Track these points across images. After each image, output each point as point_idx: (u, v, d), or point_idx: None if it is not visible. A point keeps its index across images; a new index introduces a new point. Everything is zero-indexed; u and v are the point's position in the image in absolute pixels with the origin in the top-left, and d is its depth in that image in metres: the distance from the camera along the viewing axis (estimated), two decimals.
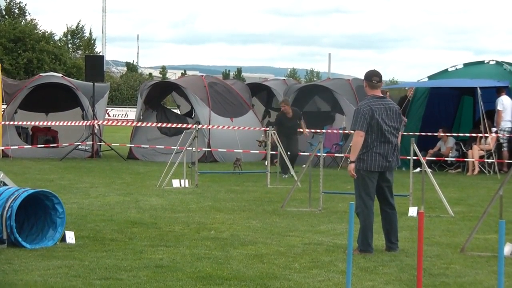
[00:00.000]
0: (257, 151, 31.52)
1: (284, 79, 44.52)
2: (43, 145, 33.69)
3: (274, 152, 25.30)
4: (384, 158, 13.76)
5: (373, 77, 14.10)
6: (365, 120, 13.55)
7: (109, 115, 62.64)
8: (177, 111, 38.44)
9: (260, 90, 38.19)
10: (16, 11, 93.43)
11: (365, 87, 14.32)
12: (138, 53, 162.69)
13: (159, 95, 36.36)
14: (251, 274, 12.16)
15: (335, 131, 32.15)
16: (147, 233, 15.49)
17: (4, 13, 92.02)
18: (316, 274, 12.22)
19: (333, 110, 34.31)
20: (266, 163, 25.34)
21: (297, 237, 15.42)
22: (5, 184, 15.34)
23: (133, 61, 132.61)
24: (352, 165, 13.66)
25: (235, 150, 30.53)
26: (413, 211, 18.08)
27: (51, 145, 33.94)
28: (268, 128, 26.80)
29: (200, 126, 29.79)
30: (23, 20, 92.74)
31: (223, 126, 32.09)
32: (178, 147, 24.93)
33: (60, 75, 38.97)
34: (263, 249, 14.15)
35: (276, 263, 12.98)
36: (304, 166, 21.65)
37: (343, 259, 13.12)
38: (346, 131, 30.66)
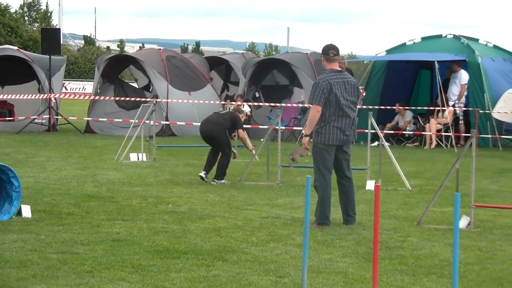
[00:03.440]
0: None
1: (243, 53, 44.46)
2: None
3: None
4: (342, 132, 13.79)
5: (330, 50, 14.07)
6: (323, 95, 13.56)
7: (66, 89, 62.38)
8: (134, 84, 38.28)
9: (218, 64, 38.20)
10: None
11: (322, 61, 14.28)
12: (95, 26, 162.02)
13: (116, 69, 36.23)
14: (208, 247, 12.19)
15: (294, 104, 32.10)
16: (104, 207, 15.48)
17: None
18: (273, 248, 12.27)
19: (291, 84, 34.33)
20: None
21: (255, 210, 15.47)
22: None
23: (91, 34, 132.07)
24: (307, 139, 13.73)
25: (193, 124, 30.52)
26: (370, 185, 18.18)
27: (7, 118, 33.75)
28: (226, 102, 26.79)
29: (157, 99, 29.80)
30: None
31: (181, 100, 32.04)
32: (136, 121, 24.87)
33: (15, 47, 38.69)
34: (221, 222, 14.19)
35: (233, 236, 13.03)
36: (262, 139, 21.63)
37: (301, 233, 13.19)
38: (305, 105, 30.65)
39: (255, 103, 32.18)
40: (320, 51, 14.43)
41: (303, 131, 13.60)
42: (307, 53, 35.59)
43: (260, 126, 29.27)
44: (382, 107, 30.77)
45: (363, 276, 10.65)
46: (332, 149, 13.82)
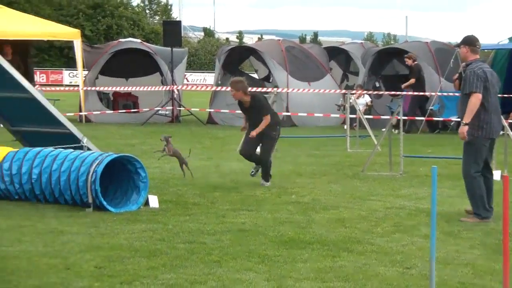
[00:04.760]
0: (337, 115, 31.39)
1: (362, 43, 44.16)
2: (124, 111, 33.93)
3: (353, 116, 25.16)
4: (499, 123, 13.72)
5: (476, 42, 13.97)
6: (481, 83, 13.35)
7: (187, 80, 62.85)
8: (255, 75, 38.43)
9: (337, 54, 38.14)
10: None
11: (465, 52, 13.99)
12: (214, 18, 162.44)
13: (237, 60, 36.41)
14: (333, 238, 12.16)
15: (420, 93, 31.72)
16: (229, 197, 15.56)
17: None
18: (399, 238, 12.20)
19: (411, 73, 34.05)
20: (345, 127, 25.32)
21: (378, 201, 15.40)
22: (88, 149, 15.53)
23: (210, 26, 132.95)
24: (466, 128, 13.29)
25: (314, 114, 30.49)
26: (497, 175, 17.91)
27: (132, 110, 34.16)
28: (347, 92, 26.71)
29: (278, 90, 29.82)
30: None
31: (302, 89, 32.00)
32: None
33: (139, 40, 39.22)
34: (345, 213, 14.17)
35: (358, 227, 12.99)
36: (383, 130, 21.52)
37: (426, 223, 13.08)
38: (432, 94, 30.30)
39: (376, 93, 31.94)
40: (460, 41, 14.21)
41: (462, 121, 13.23)
42: (426, 42, 35.16)
43: (382, 117, 29.08)
44: (506, 95, 30.23)
45: (492, 267, 10.52)
46: (488, 142, 13.69)
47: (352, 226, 13.07)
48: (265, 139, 17.15)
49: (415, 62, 30.16)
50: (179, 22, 40.71)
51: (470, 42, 13.96)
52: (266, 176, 17.29)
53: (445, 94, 29.87)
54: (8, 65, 15.47)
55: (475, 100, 13.27)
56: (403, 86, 30.30)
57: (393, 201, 15.40)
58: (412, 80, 29.80)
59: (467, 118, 13.27)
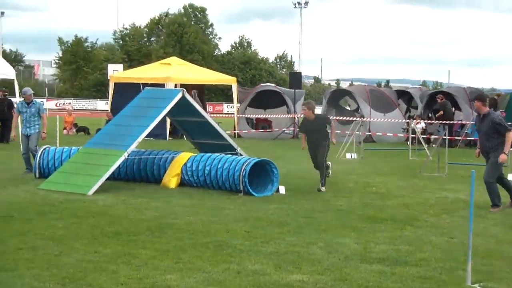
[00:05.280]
0: (402, 135, 31.06)
1: (420, 87, 43.40)
2: (262, 130, 34.01)
3: (413, 135, 24.77)
4: None
5: (486, 98, 13.77)
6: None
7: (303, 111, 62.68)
8: (348, 108, 38.14)
9: (403, 94, 37.41)
10: (245, 44, 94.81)
11: (479, 106, 13.03)
12: (321, 70, 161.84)
13: (337, 98, 36.22)
14: (401, 217, 11.99)
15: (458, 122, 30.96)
16: (331, 188, 15.43)
17: (237, 46, 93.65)
18: (445, 218, 11.98)
19: (455, 108, 33.37)
20: (408, 143, 25.02)
21: (430, 193, 15.08)
22: (241, 155, 15.63)
23: (318, 75, 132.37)
24: (505, 156, 12.65)
25: (387, 134, 30.19)
26: (510, 177, 17.33)
27: (267, 130, 34.22)
28: (409, 120, 26.30)
29: (364, 118, 29.59)
30: (249, 49, 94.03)
31: (379, 118, 31.72)
32: (350, 132, 24.77)
33: (273, 84, 39.29)
34: (408, 200, 13.92)
35: (417, 210, 12.76)
36: (433, 145, 21.16)
37: (463, 208, 12.81)
38: (463, 122, 29.69)
39: (428, 122, 31.36)
40: (474, 97, 14.15)
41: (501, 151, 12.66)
42: (464, 88, 34.13)
43: (432, 136, 28.66)
44: None
45: (510, 238, 10.45)
46: None
47: (413, 209, 12.86)
48: (321, 149, 15.31)
49: (443, 100, 29.54)
50: (300, 73, 40.63)
51: (482, 98, 13.42)
52: (324, 181, 15.20)
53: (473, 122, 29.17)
54: (192, 100, 15.68)
55: (510, 135, 12.66)
56: (436, 115, 29.84)
57: (440, 193, 15.07)
58: (441, 112, 29.25)
59: (506, 149, 12.67)
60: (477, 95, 13.68)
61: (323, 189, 15.01)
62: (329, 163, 15.72)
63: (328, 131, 15.54)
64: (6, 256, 8.55)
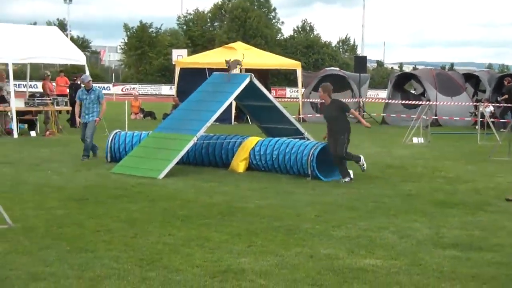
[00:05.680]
0: (469, 118, 30.61)
1: (488, 70, 42.71)
2: None
3: (481, 119, 24.35)
4: None
5: None
6: None
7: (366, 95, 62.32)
8: (414, 92, 37.69)
9: (470, 78, 36.75)
10: (308, 28, 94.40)
11: None
12: (384, 54, 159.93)
13: (402, 82, 35.80)
14: (472, 201, 11.84)
15: None
16: (399, 173, 15.35)
17: (300, 30, 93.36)
18: None
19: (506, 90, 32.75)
20: (476, 127, 24.63)
21: (501, 177, 14.80)
22: (308, 139, 15.63)
23: (381, 59, 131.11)
24: None
25: (454, 118, 29.83)
26: None
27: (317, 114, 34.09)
28: (477, 103, 25.87)
29: (430, 102, 29.23)
30: (312, 33, 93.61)
31: (446, 102, 31.29)
32: (416, 116, 24.50)
33: (338, 69, 39.09)
34: (479, 185, 13.71)
35: (489, 194, 12.58)
36: (502, 130, 20.78)
37: None
38: None
39: (497, 105, 30.75)
40: None
41: None
42: None
43: (501, 120, 28.15)
44: None
45: None
46: None
47: (484, 194, 12.68)
48: (339, 141, 13.87)
49: (510, 83, 28.96)
50: (365, 57, 40.14)
51: None
52: (342, 172, 13.93)
53: None
54: (260, 85, 15.74)
55: None
56: (499, 99, 29.28)
57: (511, 177, 14.85)
58: (505, 96, 28.66)
59: None
60: None
61: (346, 179, 13.79)
62: (360, 155, 14.41)
63: (349, 119, 14.50)
64: (84, 238, 8.76)
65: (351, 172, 14.32)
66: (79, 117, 17.08)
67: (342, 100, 15.14)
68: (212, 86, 15.93)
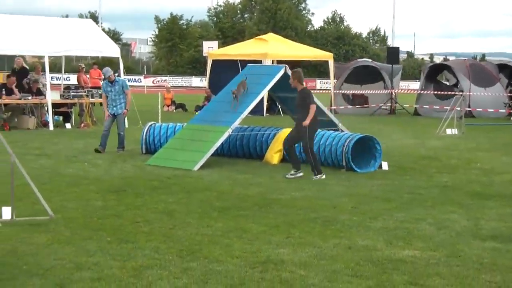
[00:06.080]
0: (503, 110, 30.41)
1: None
2: (358, 106, 33.80)
3: None
4: None
5: None
6: None
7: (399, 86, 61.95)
8: (446, 83, 37.48)
9: (504, 68, 36.43)
10: (338, 19, 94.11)
11: None
12: (414, 45, 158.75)
13: (435, 73, 35.61)
14: (509, 193, 11.81)
15: None
16: (433, 164, 15.32)
17: (330, 21, 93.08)
18: None
19: None
20: (511, 118, 24.47)
21: None
22: (342, 131, 15.62)
23: (411, 50, 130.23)
24: None
25: (488, 110, 29.62)
26: None
27: (364, 105, 34.00)
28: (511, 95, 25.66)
29: (463, 93, 29.05)
30: (342, 25, 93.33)
31: (480, 93, 31.09)
32: (450, 107, 24.37)
33: (370, 60, 38.98)
34: None
35: None
36: None
37: None
38: None
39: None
40: None
41: None
42: None
43: None
44: None
45: None
46: None
47: None
48: (300, 132, 13.10)
49: None
50: (398, 48, 39.87)
51: None
52: (314, 169, 13.05)
53: None
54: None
55: None
56: None
57: None
58: None
59: None
60: None
61: (316, 177, 12.94)
62: (322, 173, 13.10)
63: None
64: (124, 229, 8.87)
65: (385, 163, 14.30)
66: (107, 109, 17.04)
67: (311, 91, 13.69)
68: (245, 77, 15.96)
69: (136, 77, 70.07)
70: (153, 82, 70.08)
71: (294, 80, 13.50)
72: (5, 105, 22.10)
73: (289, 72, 15.47)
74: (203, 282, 6.79)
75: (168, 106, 33.75)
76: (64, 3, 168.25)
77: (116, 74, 18.27)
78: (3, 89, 22.14)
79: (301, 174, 13.17)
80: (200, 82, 66.06)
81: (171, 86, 45.18)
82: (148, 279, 6.84)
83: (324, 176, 13.05)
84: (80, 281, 6.77)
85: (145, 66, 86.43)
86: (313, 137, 13.36)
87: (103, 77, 28.69)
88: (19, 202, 9.67)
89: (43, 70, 23.25)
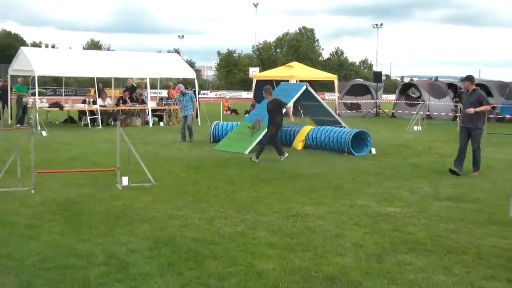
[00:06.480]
0: (451, 114, 29.70)
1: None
2: (354, 111, 33.24)
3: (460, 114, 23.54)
4: None
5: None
6: None
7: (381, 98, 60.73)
8: (413, 95, 36.62)
9: (451, 86, 35.42)
10: (339, 52, 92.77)
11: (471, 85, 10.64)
12: (390, 69, 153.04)
13: (405, 89, 34.72)
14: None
15: None
16: (406, 150, 14.96)
17: (334, 54, 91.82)
18: (489, 171, 11.37)
19: (488, 95, 31.37)
20: (456, 119, 23.92)
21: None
22: (344, 127, 15.43)
23: (388, 73, 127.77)
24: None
25: (441, 113, 28.91)
26: None
27: (358, 110, 33.47)
28: (456, 103, 24.96)
29: (424, 102, 28.27)
30: (342, 56, 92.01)
31: (435, 102, 30.37)
32: (415, 112, 23.81)
33: (362, 80, 38.19)
34: None
35: (469, 166, 11.91)
36: None
37: (501, 164, 12.15)
38: (494, 105, 27.97)
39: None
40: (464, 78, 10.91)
41: None
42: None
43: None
44: None
45: None
46: None
47: (466, 165, 12.05)
48: (268, 130, 12.61)
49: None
50: (380, 72, 38.36)
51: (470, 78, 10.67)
52: (278, 151, 12.39)
53: None
54: (312, 90, 15.62)
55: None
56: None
57: (484, 154, 14.19)
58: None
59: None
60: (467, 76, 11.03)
61: (281, 158, 12.27)
62: (285, 154, 12.42)
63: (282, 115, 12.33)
64: (201, 192, 8.90)
65: (374, 149, 14.13)
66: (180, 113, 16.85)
67: (282, 100, 12.58)
68: (280, 91, 15.84)
69: (205, 92, 70.13)
70: (215, 95, 70.11)
71: (266, 94, 12.45)
72: (122, 110, 22.34)
73: (309, 87, 15.38)
74: (254, 228, 6.80)
75: (226, 111, 33.73)
76: (157, 43, 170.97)
77: (189, 88, 18.30)
78: (121, 100, 22.39)
79: (286, 155, 12.49)
80: (247, 95, 65.92)
81: (228, 98, 45.17)
82: (217, 226, 6.87)
83: (286, 155, 12.32)
84: (173, 226, 6.84)
85: (210, 84, 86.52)
86: (278, 131, 12.28)
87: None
88: (133, 174, 9.77)
89: (146, 87, 23.40)
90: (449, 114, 29.86)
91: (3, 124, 17.50)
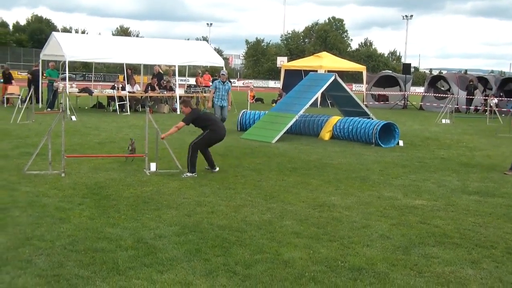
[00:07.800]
0: (480, 108, 29.22)
1: (494, 74, 40.34)
2: (382, 102, 32.88)
3: (490, 108, 23.16)
4: None
5: None
6: None
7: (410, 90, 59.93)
8: (442, 88, 36.04)
9: (481, 79, 34.70)
10: (368, 43, 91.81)
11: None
12: (419, 62, 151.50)
13: (435, 81, 34.26)
14: (486, 164, 11.35)
15: None
16: (434, 143, 14.81)
17: (363, 45, 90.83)
18: None
19: None
20: (485, 113, 23.51)
21: (506, 148, 14.04)
22: (372, 119, 15.29)
23: (417, 65, 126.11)
24: None
25: (470, 107, 28.38)
26: None
27: (386, 102, 33.05)
28: (486, 97, 24.47)
29: (453, 95, 27.83)
30: (371, 47, 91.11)
31: (464, 95, 29.86)
32: (444, 104, 23.47)
33: (390, 71, 37.75)
34: (490, 152, 13.11)
35: (497, 159, 11.94)
36: (503, 115, 19.62)
37: None
38: None
39: (500, 98, 29.14)
40: None
41: None
42: None
43: (502, 109, 26.68)
44: None
45: None
46: None
47: (494, 158, 12.06)
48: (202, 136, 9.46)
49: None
50: (410, 64, 38.08)
51: None
52: (187, 164, 9.05)
53: None
54: (340, 81, 15.51)
55: None
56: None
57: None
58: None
59: None
60: None
61: (186, 175, 8.96)
62: (195, 173, 9.03)
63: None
64: (228, 179, 8.95)
65: (401, 141, 13.95)
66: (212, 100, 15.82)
67: (195, 114, 9.52)
68: (309, 81, 15.83)
69: (233, 80, 70.20)
70: (243, 83, 70.15)
71: (186, 108, 9.45)
72: (150, 97, 22.51)
73: (338, 78, 15.28)
74: (280, 217, 6.82)
75: (251, 100, 33.72)
76: (185, 30, 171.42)
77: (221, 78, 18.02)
78: (149, 86, 22.55)
79: (194, 175, 9.00)
80: (274, 84, 65.82)
81: (254, 87, 45.11)
82: (244, 214, 6.91)
83: (195, 175, 8.98)
84: (200, 213, 6.90)
85: (238, 73, 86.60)
86: (208, 144, 9.41)
87: (211, 79, 29.13)
88: (161, 160, 9.87)
89: (174, 74, 23.52)
90: (478, 108, 29.32)
91: (35, 108, 17.79)
